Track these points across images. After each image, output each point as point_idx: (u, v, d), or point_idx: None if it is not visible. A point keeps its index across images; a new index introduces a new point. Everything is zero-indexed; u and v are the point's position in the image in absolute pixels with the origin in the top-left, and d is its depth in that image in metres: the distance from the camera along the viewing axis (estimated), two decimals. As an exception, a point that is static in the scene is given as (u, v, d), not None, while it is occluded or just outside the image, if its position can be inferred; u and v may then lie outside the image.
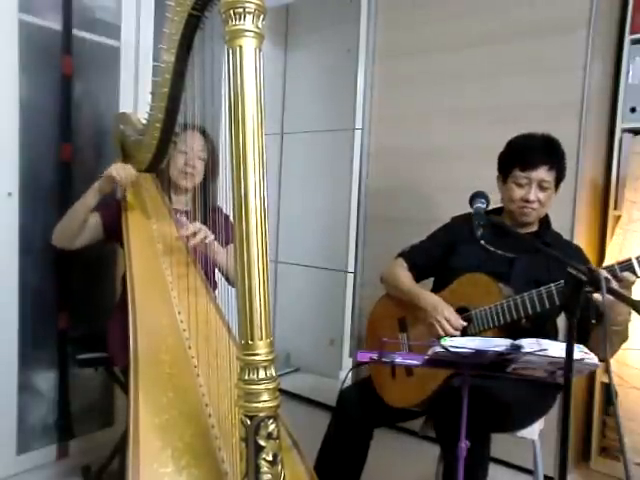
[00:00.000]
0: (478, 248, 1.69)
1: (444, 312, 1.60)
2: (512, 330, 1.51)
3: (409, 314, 1.74)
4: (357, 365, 1.84)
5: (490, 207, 1.74)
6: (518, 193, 1.64)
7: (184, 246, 1.69)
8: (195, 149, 1.85)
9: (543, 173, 1.61)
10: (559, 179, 1.65)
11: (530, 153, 1.63)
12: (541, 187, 1.62)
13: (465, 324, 1.59)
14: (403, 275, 1.78)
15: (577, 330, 1.11)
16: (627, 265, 1.34)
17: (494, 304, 1.55)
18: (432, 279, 1.84)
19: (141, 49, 2.29)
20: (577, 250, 1.70)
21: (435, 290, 1.76)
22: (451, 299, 1.64)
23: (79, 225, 1.78)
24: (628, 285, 1.35)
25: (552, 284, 1.46)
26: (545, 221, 1.73)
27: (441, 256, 1.79)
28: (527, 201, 1.62)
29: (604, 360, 1.25)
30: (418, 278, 1.80)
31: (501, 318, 1.53)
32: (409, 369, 1.67)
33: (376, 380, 1.75)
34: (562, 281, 1.43)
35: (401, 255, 1.86)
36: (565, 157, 1.66)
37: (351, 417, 1.73)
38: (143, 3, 2.27)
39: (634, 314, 1.36)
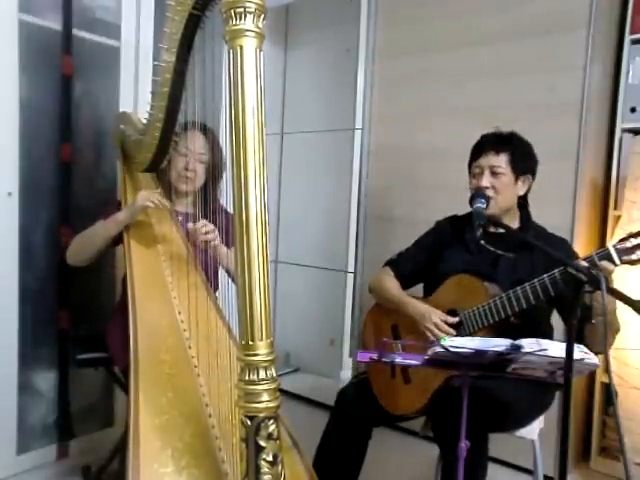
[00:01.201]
0: (463, 251, 1.71)
1: (432, 318, 1.60)
2: (502, 328, 1.51)
3: (400, 322, 1.75)
4: (359, 375, 1.84)
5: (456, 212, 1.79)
6: (473, 183, 1.66)
7: (185, 246, 1.69)
8: (195, 151, 1.80)
9: (492, 159, 1.63)
10: (516, 166, 1.63)
11: (479, 144, 1.69)
12: (494, 173, 1.63)
13: (456, 320, 1.59)
14: (390, 285, 1.79)
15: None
16: (605, 254, 1.35)
17: (481, 304, 1.55)
18: (422, 285, 1.84)
19: (141, 49, 2.29)
20: (562, 243, 1.69)
21: (425, 296, 1.77)
22: (439, 303, 1.65)
23: (97, 250, 1.78)
24: (607, 274, 1.34)
25: (536, 280, 1.46)
26: (526, 217, 1.72)
27: (427, 261, 1.79)
28: (479, 188, 1.63)
29: (599, 353, 1.26)
30: (406, 285, 1.81)
31: (490, 318, 1.53)
32: (407, 377, 1.68)
33: (375, 387, 1.75)
34: (544, 276, 1.44)
35: (388, 264, 1.87)
36: (524, 147, 1.66)
37: (350, 416, 1.73)
38: (143, 3, 2.27)
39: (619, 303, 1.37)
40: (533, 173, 1.69)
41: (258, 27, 0.89)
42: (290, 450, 1.15)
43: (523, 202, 1.73)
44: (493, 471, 1.62)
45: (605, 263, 1.34)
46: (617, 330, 1.52)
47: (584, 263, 1.32)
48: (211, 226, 1.63)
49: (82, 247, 1.79)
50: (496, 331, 1.51)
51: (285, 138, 3.40)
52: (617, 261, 1.34)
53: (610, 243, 1.37)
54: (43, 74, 2.07)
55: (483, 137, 1.70)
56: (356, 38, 2.99)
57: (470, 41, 2.37)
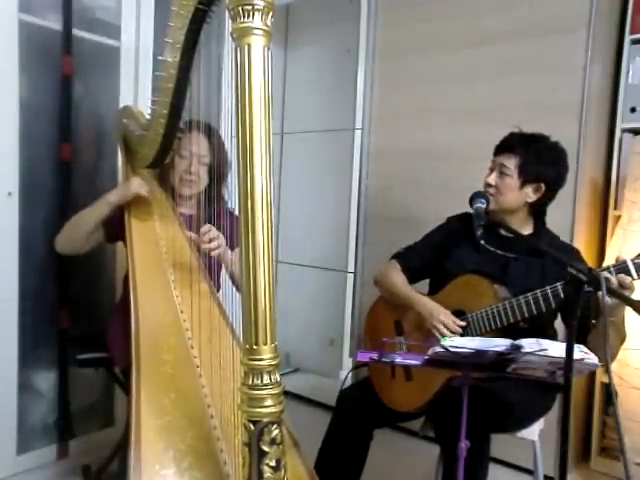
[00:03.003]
0: (472, 250, 1.69)
1: (440, 317, 1.59)
2: (510, 332, 1.50)
3: (404, 317, 1.74)
4: (357, 367, 1.84)
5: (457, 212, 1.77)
6: (486, 177, 1.67)
7: (187, 244, 1.68)
8: (197, 153, 1.77)
9: (504, 158, 1.62)
10: (523, 171, 1.60)
11: (502, 142, 1.67)
12: (501, 173, 1.63)
13: (464, 324, 1.59)
14: (397, 279, 1.77)
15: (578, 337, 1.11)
16: (622, 268, 1.34)
17: (490, 307, 1.54)
18: (427, 281, 1.83)
19: (141, 49, 2.28)
20: (574, 252, 1.68)
21: (430, 293, 1.76)
22: (446, 302, 1.64)
23: (87, 234, 1.75)
24: (628, 287, 1.34)
25: (548, 287, 1.45)
26: (540, 224, 1.71)
27: (435, 258, 1.77)
28: (487, 185, 1.64)
29: (605, 362, 1.26)
30: (412, 280, 1.79)
31: (498, 321, 1.53)
32: (408, 374, 1.67)
33: (376, 384, 1.75)
34: (557, 284, 1.43)
35: (395, 257, 1.85)
36: (546, 152, 1.62)
37: (351, 417, 1.73)
38: (143, 3, 2.27)
39: (628, 309, 1.37)
40: (548, 183, 1.62)
41: (266, 25, 0.87)
42: (291, 451, 1.14)
43: (539, 209, 1.69)
44: (493, 471, 1.62)
45: (622, 276, 1.32)
46: (623, 339, 1.51)
47: (612, 277, 1.31)
48: (215, 232, 1.60)
49: (72, 231, 1.76)
50: (503, 335, 1.50)
51: (285, 138, 3.40)
52: (634, 275, 1.33)
53: (628, 257, 1.35)
54: (43, 74, 2.07)
55: (510, 135, 1.68)
56: (356, 38, 2.99)
57: (470, 41, 2.37)
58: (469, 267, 1.65)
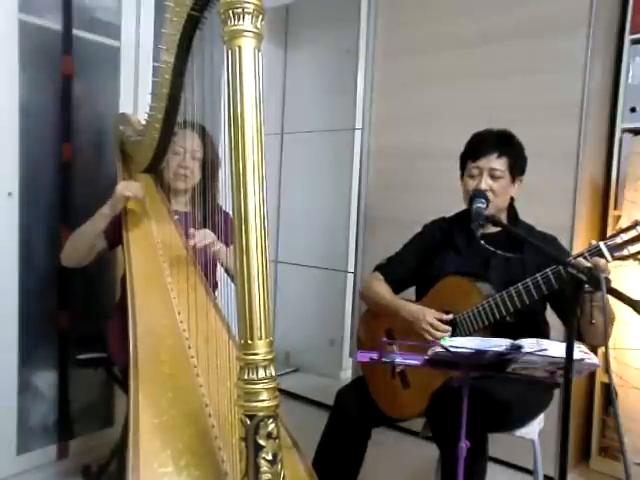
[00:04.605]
0: (451, 253, 1.70)
1: (427, 318, 1.60)
2: (498, 328, 1.51)
3: (395, 325, 1.74)
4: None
5: (454, 212, 1.78)
6: (471, 184, 1.64)
7: (183, 246, 1.69)
8: (190, 149, 1.81)
9: (492, 161, 1.61)
10: (514, 169, 1.63)
11: (478, 143, 1.66)
12: (493, 176, 1.61)
13: (450, 318, 1.59)
14: (380, 289, 1.78)
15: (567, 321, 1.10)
16: (596, 251, 1.34)
17: (475, 306, 1.54)
18: (414, 288, 1.83)
19: (141, 49, 2.29)
20: (553, 241, 1.68)
21: (417, 299, 1.77)
22: (432, 306, 1.64)
23: (89, 248, 1.78)
24: (603, 270, 1.33)
25: (528, 279, 1.45)
26: (513, 215, 1.72)
27: (418, 266, 1.78)
28: (479, 191, 1.61)
29: (595, 346, 1.25)
30: (398, 290, 1.80)
31: (484, 319, 1.53)
32: (405, 381, 1.68)
33: (373, 393, 1.75)
34: (537, 275, 1.43)
35: (378, 268, 1.86)
36: (521, 148, 1.65)
37: (348, 416, 1.73)
38: (143, 3, 2.27)
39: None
40: (524, 173, 1.68)
41: (256, 27, 0.89)
42: (290, 450, 1.15)
43: (511, 201, 1.72)
44: (493, 471, 1.62)
45: (597, 259, 1.32)
46: (613, 319, 1.51)
47: (586, 263, 1.31)
48: (210, 237, 1.63)
49: (74, 246, 1.80)
50: (492, 331, 1.51)
51: (285, 138, 3.40)
52: (608, 257, 1.33)
53: (601, 242, 1.35)
54: (43, 74, 2.07)
55: (483, 136, 1.68)
56: (356, 38, 3.00)
57: (470, 42, 2.37)
58: (451, 270, 1.66)
